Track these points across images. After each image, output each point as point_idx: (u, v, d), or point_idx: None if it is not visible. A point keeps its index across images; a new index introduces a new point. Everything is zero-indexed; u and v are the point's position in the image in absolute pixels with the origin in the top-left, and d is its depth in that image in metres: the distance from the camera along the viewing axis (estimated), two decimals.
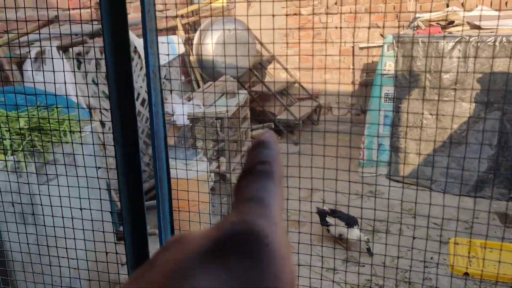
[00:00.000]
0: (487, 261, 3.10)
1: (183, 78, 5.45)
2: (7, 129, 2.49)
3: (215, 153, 4.10)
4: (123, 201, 1.01)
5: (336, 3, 6.28)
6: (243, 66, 5.30)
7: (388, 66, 4.66)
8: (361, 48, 6.06)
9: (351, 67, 6.27)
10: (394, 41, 4.43)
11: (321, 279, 2.49)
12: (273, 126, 5.58)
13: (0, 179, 2.40)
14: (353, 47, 6.06)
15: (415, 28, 4.84)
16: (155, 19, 0.88)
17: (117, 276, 2.87)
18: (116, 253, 2.47)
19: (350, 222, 3.34)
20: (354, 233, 3.32)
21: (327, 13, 6.07)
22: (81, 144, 2.48)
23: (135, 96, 4.42)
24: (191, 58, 5.43)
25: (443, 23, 4.79)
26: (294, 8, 6.18)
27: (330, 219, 3.49)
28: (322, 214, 3.54)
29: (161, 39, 4.50)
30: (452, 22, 4.80)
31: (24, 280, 2.57)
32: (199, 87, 5.50)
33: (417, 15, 5.27)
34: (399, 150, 4.68)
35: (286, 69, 6.17)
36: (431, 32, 4.57)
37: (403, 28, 5.59)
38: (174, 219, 1.16)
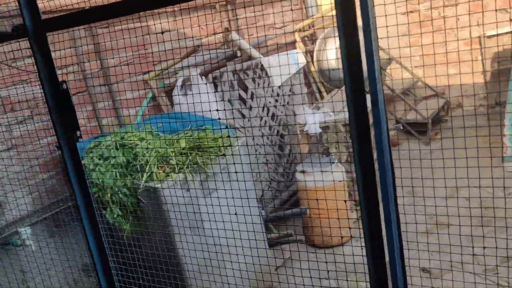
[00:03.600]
0: None
1: (305, 89, 5.60)
2: (172, 150, 2.80)
3: (349, 159, 4.15)
4: (361, 197, 1.10)
5: None
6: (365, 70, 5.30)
7: None
8: (489, 37, 5.72)
9: (479, 58, 5.93)
10: None
11: (474, 282, 2.37)
12: (401, 127, 5.48)
13: (172, 194, 2.70)
14: (479, 37, 5.74)
15: None
16: (375, 30, 0.99)
17: (271, 279, 3.03)
18: (267, 257, 2.62)
19: None
20: None
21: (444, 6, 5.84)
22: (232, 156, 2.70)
23: (265, 111, 4.65)
24: (312, 68, 5.57)
25: None
26: (410, 6, 6.04)
27: None
28: None
29: (283, 55, 4.67)
30: None
31: (196, 285, 2.85)
32: (321, 97, 5.60)
33: None
34: None
35: (406, 68, 6.03)
36: None
37: None
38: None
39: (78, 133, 1.47)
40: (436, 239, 2.47)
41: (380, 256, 1.14)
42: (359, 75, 1.05)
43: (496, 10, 5.40)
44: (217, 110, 2.77)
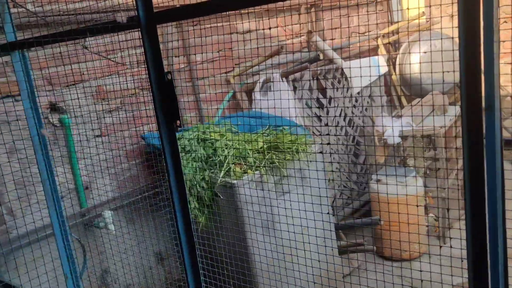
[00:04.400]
0: None
1: (385, 97, 5.45)
2: (250, 148, 2.84)
3: (427, 172, 3.99)
4: (467, 213, 1.05)
5: None
6: (449, 81, 5.07)
7: None
8: None
9: None
10: None
11: None
12: None
13: (247, 192, 2.74)
14: None
15: None
16: (498, 32, 0.95)
17: (337, 286, 2.98)
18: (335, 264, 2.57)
19: None
20: None
21: None
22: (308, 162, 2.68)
23: (342, 115, 4.59)
24: (393, 76, 5.41)
25: None
26: (504, 15, 5.69)
27: None
28: None
29: (364, 60, 4.59)
30: None
31: (263, 283, 2.87)
32: (401, 105, 5.43)
33: None
34: None
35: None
36: None
37: None
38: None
39: (178, 122, 1.53)
40: None
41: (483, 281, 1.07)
42: (476, 81, 1.00)
43: None
44: (295, 113, 2.78)
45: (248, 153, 2.84)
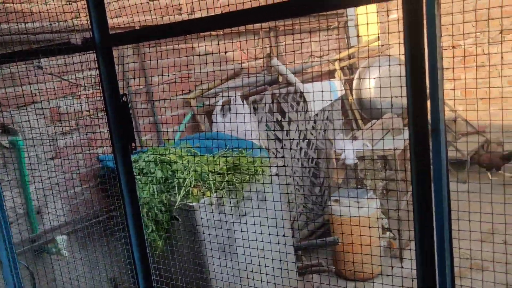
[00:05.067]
0: None
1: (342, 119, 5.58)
2: (209, 170, 2.82)
3: (384, 192, 4.08)
4: (416, 233, 1.07)
5: (500, 33, 5.93)
6: (401, 104, 5.24)
7: None
8: None
9: None
10: None
11: None
12: None
13: (204, 216, 2.71)
14: None
15: None
16: (441, 59, 0.99)
17: None
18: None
19: None
20: None
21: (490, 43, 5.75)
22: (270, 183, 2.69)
23: (301, 136, 4.65)
24: (350, 99, 5.55)
25: None
26: (452, 42, 5.98)
27: None
28: None
29: (323, 83, 4.69)
30: None
31: None
32: (358, 127, 5.56)
33: None
34: None
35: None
36: None
37: None
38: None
39: (133, 144, 1.51)
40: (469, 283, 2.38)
41: None
42: (422, 106, 1.04)
43: None
44: (255, 135, 2.79)
45: (207, 175, 2.82)
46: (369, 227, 3.00)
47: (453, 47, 5.92)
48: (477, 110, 5.55)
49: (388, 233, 4.07)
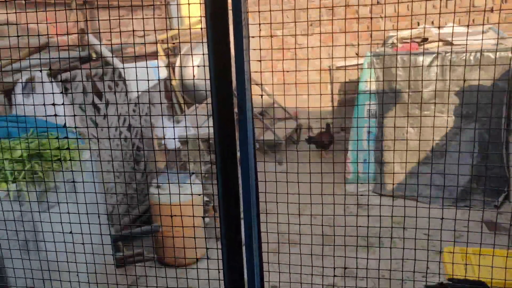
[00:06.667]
0: (481, 268, 3.16)
1: (165, 102, 5.44)
2: (6, 158, 2.42)
3: (206, 175, 4.09)
4: (222, 214, 0.99)
5: (311, 25, 6.45)
6: None
7: (367, 83, 4.80)
8: (338, 68, 6.22)
9: (329, 86, 6.41)
10: (374, 58, 4.58)
11: None
12: (257, 146, 5.61)
13: (3, 209, 2.32)
14: (330, 66, 6.22)
15: (392, 46, 5.02)
16: (247, 28, 0.90)
17: None
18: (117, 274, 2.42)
19: None
20: None
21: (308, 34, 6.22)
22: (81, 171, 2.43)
23: (121, 121, 4.38)
24: (173, 82, 5.44)
25: (418, 40, 4.99)
26: (268, 31, 6.31)
27: None
28: None
29: (142, 63, 4.50)
30: (426, 39, 5.00)
31: None
32: (182, 110, 5.50)
33: (391, 33, 5.47)
34: (383, 165, 4.79)
35: (262, 86, 6.25)
36: (407, 48, 4.74)
37: (377, 46, 5.77)
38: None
39: None
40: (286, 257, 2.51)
41: (239, 277, 1.06)
42: (227, 83, 0.97)
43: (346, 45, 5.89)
44: (65, 117, 2.48)
45: (3, 163, 2.42)
46: (193, 216, 2.95)
47: (271, 36, 6.24)
48: (290, 95, 5.98)
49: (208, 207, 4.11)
